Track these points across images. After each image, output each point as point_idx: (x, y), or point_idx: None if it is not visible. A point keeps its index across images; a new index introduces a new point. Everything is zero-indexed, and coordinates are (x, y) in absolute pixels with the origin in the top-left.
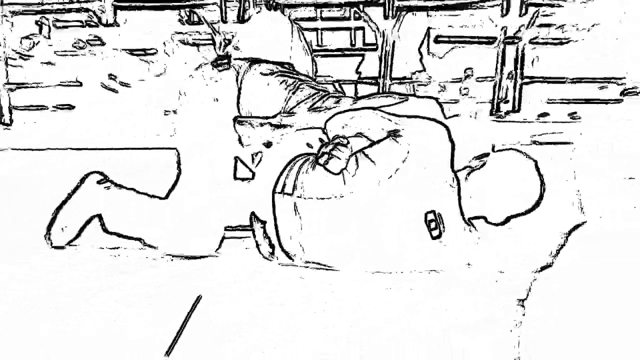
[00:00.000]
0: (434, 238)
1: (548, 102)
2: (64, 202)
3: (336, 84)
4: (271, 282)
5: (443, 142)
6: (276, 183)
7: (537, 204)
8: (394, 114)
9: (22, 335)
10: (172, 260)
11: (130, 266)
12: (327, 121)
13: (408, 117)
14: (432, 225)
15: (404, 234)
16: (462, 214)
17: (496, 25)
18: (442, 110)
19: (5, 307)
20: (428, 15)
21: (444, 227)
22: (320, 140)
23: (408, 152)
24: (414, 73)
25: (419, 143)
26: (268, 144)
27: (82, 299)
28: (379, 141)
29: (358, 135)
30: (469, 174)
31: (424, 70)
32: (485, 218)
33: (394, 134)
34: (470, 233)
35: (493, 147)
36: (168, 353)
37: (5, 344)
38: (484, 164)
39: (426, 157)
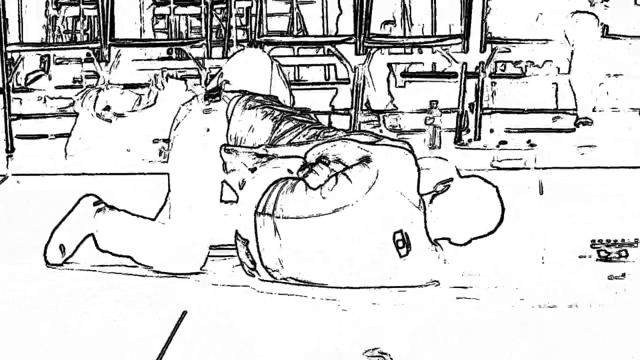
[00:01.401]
0: (401, 256)
1: (506, 131)
2: (61, 223)
3: (312, 115)
4: (253, 298)
5: (410, 167)
6: (258, 204)
7: (498, 226)
8: (365, 143)
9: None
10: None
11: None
12: (307, 152)
13: (378, 145)
14: (400, 244)
15: (374, 252)
16: (427, 234)
17: (457, 62)
18: (414, 153)
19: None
20: (389, 53)
21: (410, 246)
22: (301, 165)
23: (377, 176)
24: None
25: (388, 168)
26: (252, 169)
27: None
28: (352, 166)
29: (336, 162)
30: (433, 197)
31: (393, 100)
32: (449, 239)
33: (365, 160)
34: (436, 252)
35: (458, 172)
36: None
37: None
38: (448, 188)
39: (394, 181)
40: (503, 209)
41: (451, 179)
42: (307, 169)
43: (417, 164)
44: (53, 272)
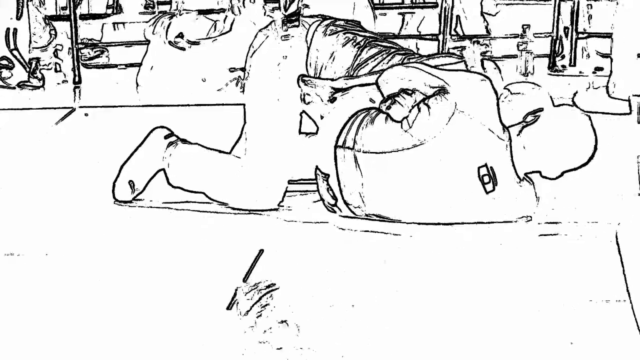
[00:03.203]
0: (487, 192)
1: (603, 56)
2: (130, 157)
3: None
4: (334, 235)
5: (488, 95)
6: (338, 137)
7: (591, 158)
8: (439, 68)
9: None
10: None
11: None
12: (378, 78)
13: (452, 70)
14: (486, 179)
15: (458, 188)
16: (514, 168)
17: None
18: (499, 69)
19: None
20: None
21: (497, 181)
22: (382, 95)
23: (455, 108)
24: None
25: (466, 98)
26: (332, 99)
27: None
28: (428, 97)
29: (415, 91)
30: (522, 128)
31: (487, 26)
32: (540, 173)
33: (442, 90)
34: (526, 187)
35: (552, 100)
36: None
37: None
38: (538, 119)
39: (474, 112)
40: (596, 140)
41: (541, 109)
42: (389, 100)
43: (494, 90)
44: (124, 210)
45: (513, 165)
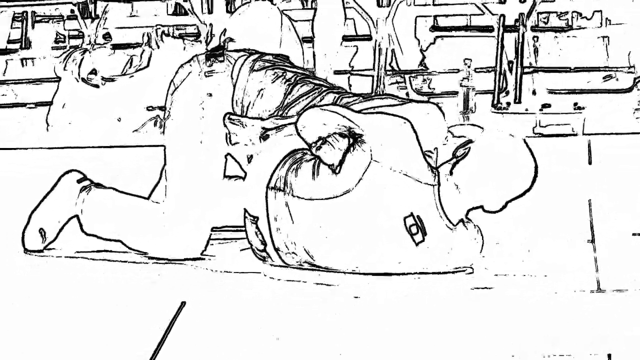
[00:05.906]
0: (417, 244)
1: (550, 93)
2: (40, 203)
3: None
4: (262, 286)
5: (408, 138)
6: (271, 178)
7: (534, 182)
8: (358, 112)
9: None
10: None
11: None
12: (295, 122)
13: (371, 113)
14: (414, 229)
15: (386, 240)
16: (445, 213)
17: (493, 14)
18: (444, 115)
19: None
20: (415, 4)
21: (426, 231)
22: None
23: (371, 157)
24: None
25: (382, 145)
26: (265, 137)
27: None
28: (351, 145)
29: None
30: (454, 165)
31: (424, 60)
32: (482, 207)
33: (357, 139)
34: (465, 231)
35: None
36: None
37: None
38: (468, 152)
39: (390, 160)
40: (535, 162)
41: (470, 141)
42: (320, 141)
43: (415, 132)
44: (34, 261)
45: (443, 209)
